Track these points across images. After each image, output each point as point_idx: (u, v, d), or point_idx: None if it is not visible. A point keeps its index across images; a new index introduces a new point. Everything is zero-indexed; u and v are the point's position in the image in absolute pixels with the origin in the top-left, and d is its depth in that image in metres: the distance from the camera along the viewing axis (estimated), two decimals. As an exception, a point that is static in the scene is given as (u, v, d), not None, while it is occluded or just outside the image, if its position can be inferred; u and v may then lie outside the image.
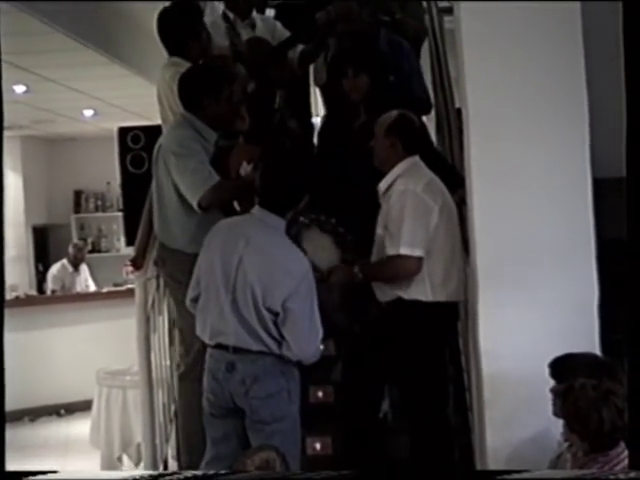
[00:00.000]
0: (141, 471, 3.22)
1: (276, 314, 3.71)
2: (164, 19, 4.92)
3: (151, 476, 2.41)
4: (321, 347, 3.87)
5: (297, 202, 3.89)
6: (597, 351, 3.66)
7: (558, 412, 3.24)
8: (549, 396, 3.40)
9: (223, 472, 3.13)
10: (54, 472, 2.85)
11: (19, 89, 8.34)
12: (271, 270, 3.73)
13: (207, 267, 3.87)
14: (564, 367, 3.35)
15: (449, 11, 5.90)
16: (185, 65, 4.65)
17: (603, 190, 3.89)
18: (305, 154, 4.23)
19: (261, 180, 3.90)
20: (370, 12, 5.21)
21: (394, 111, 4.29)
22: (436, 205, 4.11)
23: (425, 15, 5.85)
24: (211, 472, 3.15)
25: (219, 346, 3.82)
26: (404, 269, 4.11)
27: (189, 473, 2.57)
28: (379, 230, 4.23)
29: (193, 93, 4.38)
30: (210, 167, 4.27)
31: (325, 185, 4.93)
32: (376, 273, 4.26)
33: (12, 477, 2.47)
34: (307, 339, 3.76)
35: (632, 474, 2.75)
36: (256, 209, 3.87)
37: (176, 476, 2.48)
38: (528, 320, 3.76)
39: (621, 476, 2.79)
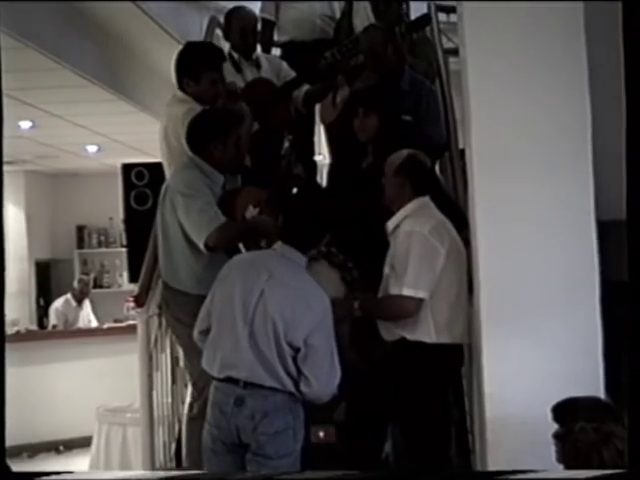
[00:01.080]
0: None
1: (297, 350, 3.73)
2: (187, 56, 4.88)
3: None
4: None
5: (320, 241, 3.96)
6: (601, 394, 3.64)
7: (560, 458, 3.21)
8: (552, 441, 3.37)
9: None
10: (70, 472, 2.83)
11: (24, 125, 8.39)
12: (293, 305, 3.75)
13: (223, 299, 3.87)
14: (566, 411, 3.32)
15: (454, 52, 5.94)
16: (193, 102, 4.66)
17: (607, 232, 3.88)
18: (322, 195, 4.26)
19: (286, 218, 3.96)
20: (394, 50, 5.23)
21: (404, 151, 4.31)
22: (443, 248, 4.10)
23: (433, 57, 5.89)
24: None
25: (229, 379, 3.80)
26: (403, 309, 4.10)
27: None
28: (386, 269, 4.23)
29: (201, 137, 4.42)
30: (217, 208, 4.29)
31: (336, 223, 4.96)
32: (376, 310, 4.26)
33: (21, 478, 2.45)
34: (327, 377, 3.78)
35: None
36: (279, 245, 3.91)
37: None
38: (532, 363, 3.73)
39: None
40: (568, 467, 3.12)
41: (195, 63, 4.78)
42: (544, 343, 3.74)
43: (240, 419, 3.76)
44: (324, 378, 3.77)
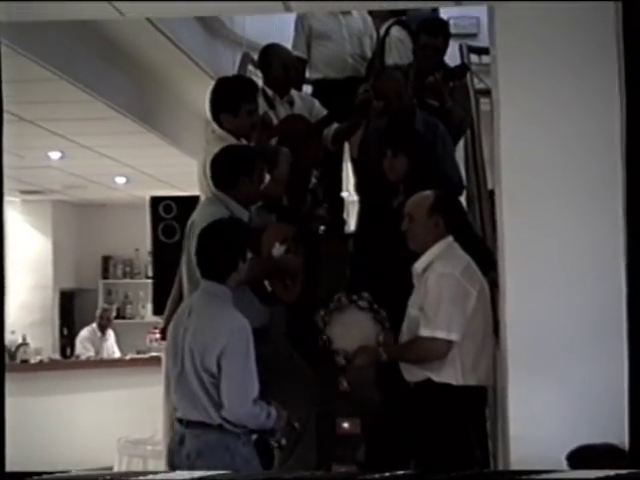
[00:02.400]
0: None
1: (213, 376, 3.75)
2: (222, 90, 4.90)
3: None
4: (264, 415, 3.82)
5: (231, 270, 3.88)
6: (626, 438, 3.60)
7: None
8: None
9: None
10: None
11: (54, 155, 8.46)
12: (205, 333, 3.79)
13: (167, 345, 4.00)
14: (581, 459, 3.29)
15: (486, 93, 5.96)
16: (232, 140, 4.68)
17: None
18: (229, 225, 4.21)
19: (196, 251, 3.97)
20: (413, 92, 5.28)
21: (428, 191, 4.31)
22: (474, 290, 4.11)
23: (469, 103, 5.92)
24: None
25: (178, 419, 3.91)
26: (433, 351, 4.09)
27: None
28: (412, 311, 4.21)
29: (226, 172, 4.42)
30: None
31: (364, 265, 4.98)
32: (402, 354, 4.25)
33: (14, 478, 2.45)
34: (237, 396, 3.75)
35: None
36: (201, 281, 3.94)
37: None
38: (558, 406, 3.72)
39: None
40: None
41: (231, 96, 4.80)
42: (570, 386, 3.72)
43: (181, 458, 3.84)
44: (234, 397, 3.75)
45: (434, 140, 5.14)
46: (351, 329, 4.28)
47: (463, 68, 5.98)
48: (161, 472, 3.73)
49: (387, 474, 2.42)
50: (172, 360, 3.89)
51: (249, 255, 4.22)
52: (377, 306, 4.34)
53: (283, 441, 4.27)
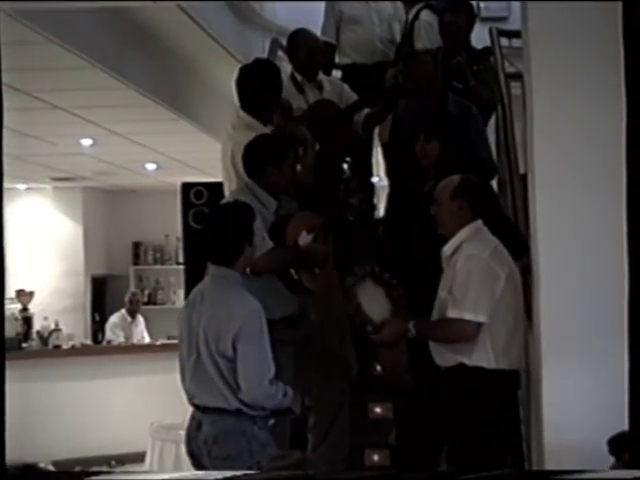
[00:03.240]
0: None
1: (229, 359, 3.77)
2: (246, 76, 4.92)
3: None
4: (280, 394, 3.84)
5: (238, 254, 3.89)
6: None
7: None
8: (613, 470, 3.33)
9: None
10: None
11: (86, 142, 8.51)
12: (219, 317, 3.81)
13: (180, 334, 4.02)
14: (623, 444, 3.27)
15: (517, 77, 5.93)
16: (258, 127, 4.69)
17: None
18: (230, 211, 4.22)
19: (203, 238, 4.04)
20: (443, 75, 5.27)
21: (455, 176, 4.30)
22: (502, 272, 4.09)
23: (495, 85, 5.90)
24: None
25: (195, 405, 3.93)
26: (463, 333, 4.08)
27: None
28: (442, 294, 4.21)
29: (257, 162, 4.45)
30: (265, 234, 4.30)
31: (392, 249, 4.98)
32: (431, 332, 4.24)
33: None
34: (254, 378, 3.78)
35: None
36: (209, 267, 3.96)
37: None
38: (592, 391, 3.71)
39: None
40: None
41: (254, 83, 4.82)
42: (605, 371, 3.69)
43: (198, 444, 3.87)
44: (251, 379, 3.77)
45: (467, 123, 5.13)
46: (372, 299, 4.28)
47: (487, 51, 5.97)
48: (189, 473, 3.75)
49: (412, 475, 2.42)
50: (187, 347, 3.90)
51: (270, 243, 4.24)
52: (395, 282, 4.31)
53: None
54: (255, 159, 4.46)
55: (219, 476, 2.43)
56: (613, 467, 3.23)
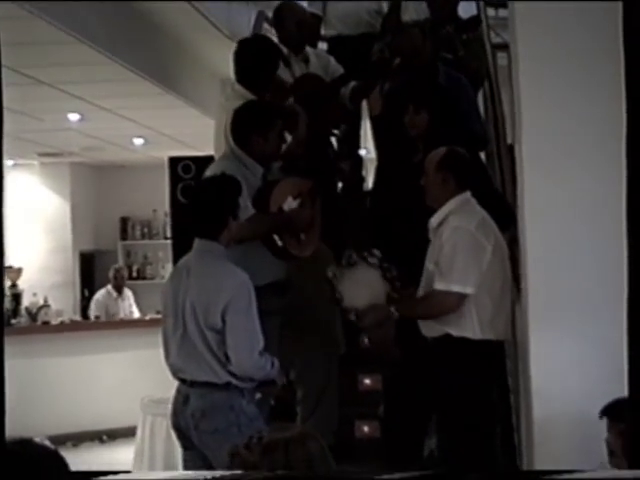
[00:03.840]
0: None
1: (218, 332, 3.77)
2: (246, 50, 4.91)
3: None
4: (269, 366, 3.85)
5: (221, 227, 3.87)
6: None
7: (618, 454, 3.17)
8: (602, 438, 3.35)
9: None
10: (127, 472, 2.83)
11: (73, 117, 8.47)
12: (207, 290, 3.80)
13: (164, 309, 4.01)
14: (622, 409, 3.29)
15: (502, 47, 5.92)
16: (250, 97, 4.68)
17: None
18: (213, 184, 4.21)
19: (190, 211, 4.01)
20: (432, 47, 5.26)
21: (442, 148, 4.30)
22: (489, 244, 4.10)
23: (484, 55, 5.88)
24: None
25: (181, 380, 3.92)
26: (446, 305, 4.10)
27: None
28: (429, 265, 4.21)
29: (242, 129, 4.44)
30: (249, 201, 4.27)
31: (380, 220, 4.97)
32: (415, 310, 4.26)
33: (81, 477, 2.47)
34: (243, 349, 3.78)
35: None
36: (195, 241, 3.94)
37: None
38: (580, 361, 3.72)
39: None
40: (626, 458, 3.06)
41: (253, 58, 4.81)
42: (592, 341, 3.73)
43: (185, 417, 3.86)
44: (241, 350, 3.78)
45: (458, 94, 5.12)
46: (361, 286, 4.27)
47: (476, 20, 5.95)
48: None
49: (405, 475, 2.42)
50: (173, 322, 3.89)
51: (250, 211, 4.23)
52: (386, 264, 4.32)
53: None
54: (241, 125, 4.45)
55: (208, 476, 2.43)
56: (619, 431, 3.23)
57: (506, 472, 4.06)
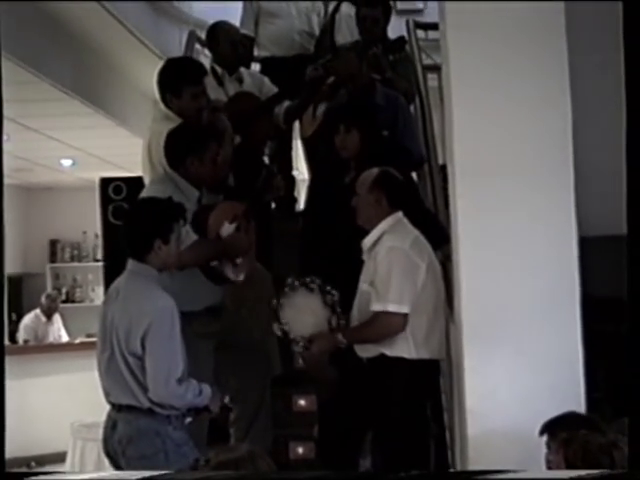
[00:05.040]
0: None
1: (139, 358, 3.70)
2: (167, 71, 4.84)
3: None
4: (190, 394, 3.76)
5: (146, 250, 3.79)
6: (582, 408, 3.65)
7: (558, 465, 3.18)
8: (536, 455, 3.37)
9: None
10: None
11: (-1, 138, 8.33)
12: (130, 314, 3.74)
13: (98, 331, 3.92)
14: (558, 423, 3.31)
15: (433, 68, 5.99)
16: (178, 120, 4.64)
17: (589, 248, 3.91)
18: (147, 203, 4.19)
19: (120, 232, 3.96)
20: (367, 69, 5.29)
21: (375, 168, 4.31)
22: (423, 263, 4.12)
23: (413, 76, 5.94)
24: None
25: (110, 403, 3.86)
26: (390, 326, 4.09)
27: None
28: (363, 286, 4.21)
29: (177, 151, 4.39)
30: (188, 227, 4.25)
31: (313, 241, 4.97)
32: (362, 335, 4.23)
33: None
34: (159, 377, 3.70)
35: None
36: (128, 261, 3.88)
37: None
38: (513, 378, 3.74)
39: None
40: (570, 468, 3.07)
41: (175, 78, 4.74)
42: (526, 357, 3.75)
43: (113, 443, 3.81)
44: (158, 378, 3.70)
45: (394, 114, 5.16)
46: (303, 313, 4.25)
47: (401, 40, 5.99)
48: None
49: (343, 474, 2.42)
50: (101, 344, 3.82)
51: (194, 236, 4.19)
52: (328, 288, 4.30)
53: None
54: (175, 148, 4.40)
55: (138, 476, 2.39)
56: (561, 439, 3.23)
57: (437, 473, 4.07)
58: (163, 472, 2.35)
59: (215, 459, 2.38)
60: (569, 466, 3.06)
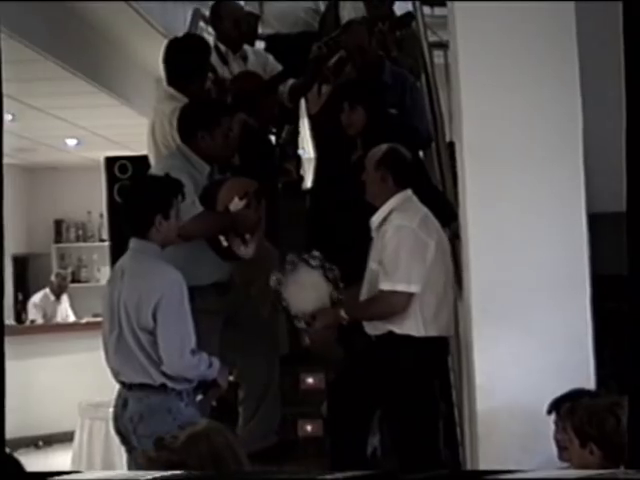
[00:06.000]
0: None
1: (150, 332, 3.72)
2: (174, 50, 4.85)
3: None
4: (203, 365, 3.80)
5: (147, 225, 3.79)
6: (591, 386, 3.65)
7: (566, 431, 3.16)
8: (544, 432, 3.37)
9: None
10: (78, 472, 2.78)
11: (5, 118, 8.30)
12: (139, 290, 3.75)
13: (103, 312, 3.94)
14: (564, 399, 3.31)
15: (439, 45, 5.95)
16: (183, 99, 4.63)
17: (598, 225, 3.90)
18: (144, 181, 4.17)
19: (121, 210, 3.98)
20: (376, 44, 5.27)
21: (384, 145, 4.29)
22: (432, 241, 4.10)
23: (419, 53, 5.91)
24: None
25: (121, 382, 3.88)
26: (395, 305, 4.08)
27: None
28: (372, 265, 4.20)
29: (189, 125, 4.41)
30: (196, 198, 4.25)
31: (320, 220, 4.96)
32: (365, 312, 4.23)
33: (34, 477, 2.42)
34: (174, 348, 3.72)
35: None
36: (131, 240, 3.88)
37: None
38: (522, 354, 3.73)
39: (620, 476, 2.72)
40: (579, 436, 3.06)
41: (181, 58, 4.74)
42: (534, 335, 3.74)
43: (124, 421, 3.83)
44: (172, 349, 3.72)
45: (402, 92, 5.13)
46: (306, 290, 4.25)
47: (409, 16, 5.96)
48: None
49: (349, 474, 2.40)
50: (109, 324, 3.83)
51: (200, 208, 4.19)
52: (329, 264, 4.28)
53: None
54: (187, 122, 4.42)
55: (148, 476, 2.40)
56: (566, 409, 3.22)
57: (448, 473, 4.06)
58: (175, 472, 2.35)
59: (182, 436, 2.41)
60: (578, 435, 3.05)
